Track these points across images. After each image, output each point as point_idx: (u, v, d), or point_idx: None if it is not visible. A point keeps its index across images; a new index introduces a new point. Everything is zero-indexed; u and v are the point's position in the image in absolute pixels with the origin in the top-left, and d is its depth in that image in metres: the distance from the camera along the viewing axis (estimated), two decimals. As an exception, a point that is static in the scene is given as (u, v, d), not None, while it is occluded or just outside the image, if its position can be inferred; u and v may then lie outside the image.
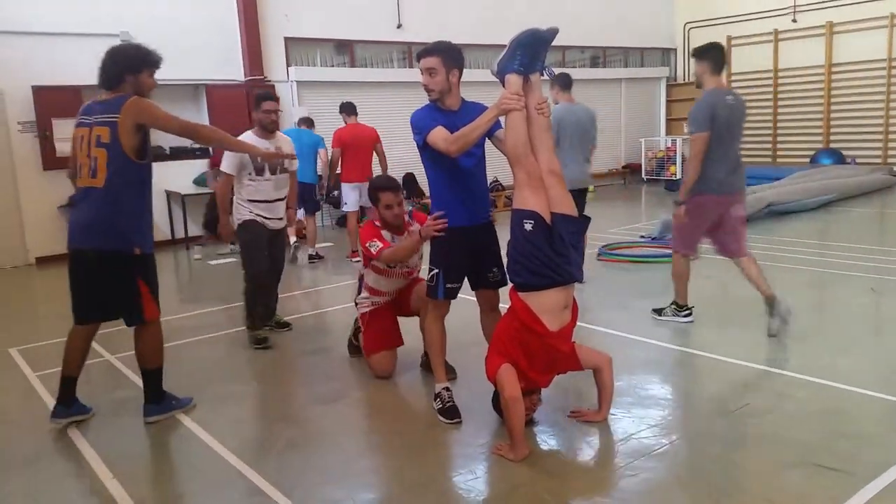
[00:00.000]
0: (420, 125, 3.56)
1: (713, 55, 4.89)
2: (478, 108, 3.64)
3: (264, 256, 5.13)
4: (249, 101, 10.44)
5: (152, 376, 3.90)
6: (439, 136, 3.45)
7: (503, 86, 3.45)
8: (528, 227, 3.27)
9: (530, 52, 3.39)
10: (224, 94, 10.34)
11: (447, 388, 3.78)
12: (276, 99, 5.20)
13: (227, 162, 5.02)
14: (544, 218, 3.27)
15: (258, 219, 5.06)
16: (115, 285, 3.75)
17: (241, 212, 5.08)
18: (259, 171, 5.00)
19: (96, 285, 3.76)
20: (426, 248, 3.93)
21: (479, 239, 3.76)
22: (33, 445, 3.67)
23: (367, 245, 4.09)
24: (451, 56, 3.56)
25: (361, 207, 8.32)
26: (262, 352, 5.10)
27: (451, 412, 3.68)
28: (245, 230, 5.08)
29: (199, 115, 10.46)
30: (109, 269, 3.74)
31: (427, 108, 3.65)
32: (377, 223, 4.21)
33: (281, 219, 5.24)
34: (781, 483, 2.92)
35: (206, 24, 10.23)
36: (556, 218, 3.31)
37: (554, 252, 3.25)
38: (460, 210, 3.64)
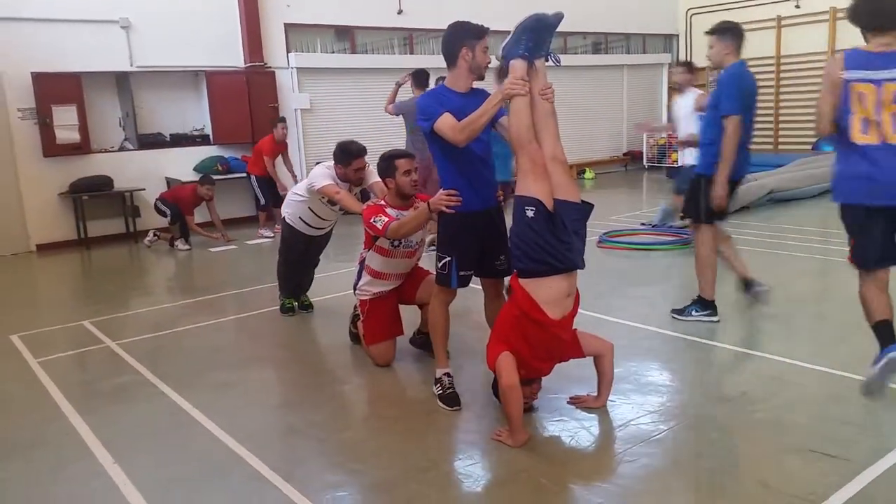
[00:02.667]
0: (428, 111, 3.50)
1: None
2: (484, 94, 3.62)
3: (300, 251, 5.48)
4: (250, 88, 10.43)
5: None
6: (447, 123, 3.41)
7: (507, 71, 3.43)
8: (529, 213, 3.26)
9: (535, 37, 3.37)
10: (224, 80, 10.29)
11: (448, 374, 3.79)
12: (365, 152, 4.86)
13: (325, 179, 4.85)
14: (546, 205, 3.26)
15: (302, 227, 5.30)
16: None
17: (293, 214, 5.26)
18: (333, 203, 5.03)
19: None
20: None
21: (489, 224, 3.73)
22: (35, 431, 3.69)
23: (372, 221, 3.99)
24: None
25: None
26: (264, 339, 5.15)
27: (451, 399, 3.69)
28: (288, 227, 5.37)
29: (199, 102, 10.45)
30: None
31: (434, 93, 3.60)
32: (381, 202, 4.18)
33: (322, 228, 5.41)
34: (779, 469, 2.93)
35: (205, 11, 10.17)
36: (559, 204, 3.29)
37: (556, 239, 3.24)
38: (471, 195, 3.60)
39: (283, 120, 9.65)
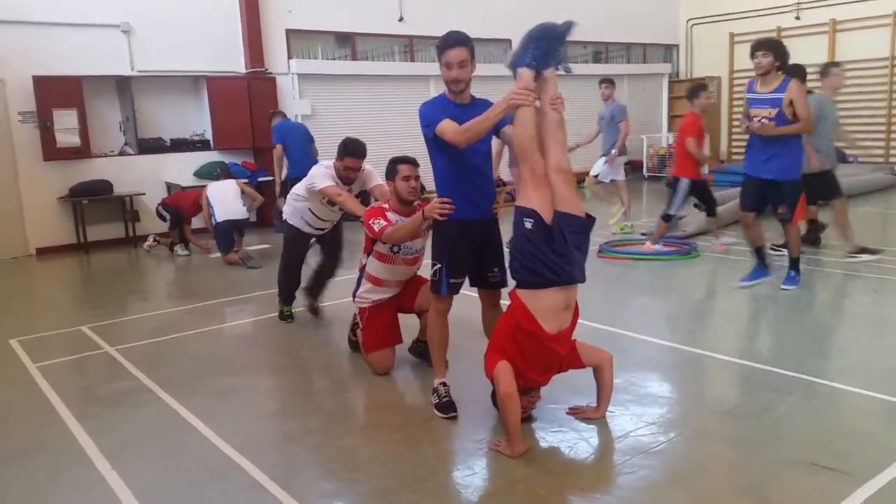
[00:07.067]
0: (429, 118, 3.51)
1: None
2: (486, 104, 3.61)
3: (300, 252, 5.46)
4: (251, 93, 10.45)
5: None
6: (448, 126, 3.41)
7: (515, 79, 3.41)
8: (527, 225, 3.25)
9: (544, 46, 3.35)
10: (225, 85, 10.31)
11: (444, 384, 3.78)
12: (362, 156, 4.81)
13: (326, 179, 4.84)
14: (543, 217, 3.24)
15: (303, 226, 5.27)
16: None
17: (294, 214, 5.25)
18: (332, 203, 5.02)
19: None
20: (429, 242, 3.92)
21: (482, 234, 3.73)
22: (33, 437, 3.68)
23: (371, 222, 4.01)
24: (473, 47, 3.52)
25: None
26: (262, 346, 5.14)
27: (446, 407, 3.68)
28: (289, 228, 5.36)
29: (199, 107, 10.46)
30: None
31: (436, 101, 3.60)
32: (385, 205, 4.18)
33: (324, 229, 5.36)
34: (779, 481, 2.92)
35: (207, 16, 10.21)
36: (560, 217, 3.27)
37: (553, 252, 3.22)
38: (465, 204, 3.60)
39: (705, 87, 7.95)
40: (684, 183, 7.27)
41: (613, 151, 8.65)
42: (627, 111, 8.76)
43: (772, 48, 5.53)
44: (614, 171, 8.76)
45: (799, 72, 7.62)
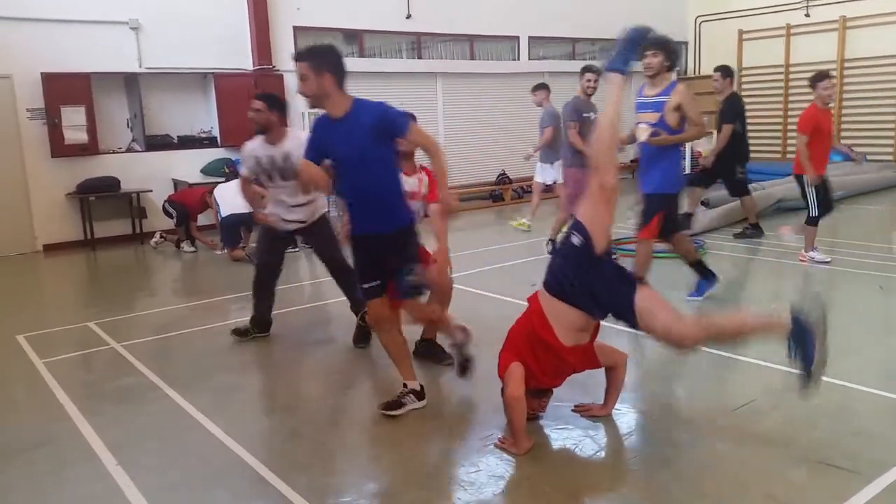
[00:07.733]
0: (305, 145, 3.62)
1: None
2: (365, 109, 3.49)
3: (266, 252, 5.17)
4: (258, 90, 10.43)
5: None
6: (304, 170, 3.51)
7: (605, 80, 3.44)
8: (574, 240, 3.22)
9: (636, 51, 3.43)
10: (232, 82, 10.31)
11: (405, 385, 3.77)
12: (263, 98, 4.75)
13: (243, 166, 5.06)
14: (595, 244, 3.17)
15: (275, 219, 5.02)
16: None
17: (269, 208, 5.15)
18: (266, 183, 4.95)
19: None
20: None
21: (387, 247, 3.63)
22: (39, 432, 3.69)
23: None
24: (320, 60, 3.39)
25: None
26: (267, 343, 5.12)
27: (391, 405, 3.67)
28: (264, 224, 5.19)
29: (207, 104, 10.47)
30: None
31: (319, 118, 3.58)
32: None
33: (304, 221, 4.98)
34: (786, 480, 2.91)
35: (215, 13, 10.20)
36: (624, 290, 3.19)
37: (586, 282, 3.16)
38: (359, 219, 3.64)
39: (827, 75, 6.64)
40: (806, 180, 6.65)
41: (530, 150, 9.04)
42: (559, 118, 7.83)
43: (661, 47, 5.11)
44: (545, 173, 8.56)
45: (727, 72, 7.58)
